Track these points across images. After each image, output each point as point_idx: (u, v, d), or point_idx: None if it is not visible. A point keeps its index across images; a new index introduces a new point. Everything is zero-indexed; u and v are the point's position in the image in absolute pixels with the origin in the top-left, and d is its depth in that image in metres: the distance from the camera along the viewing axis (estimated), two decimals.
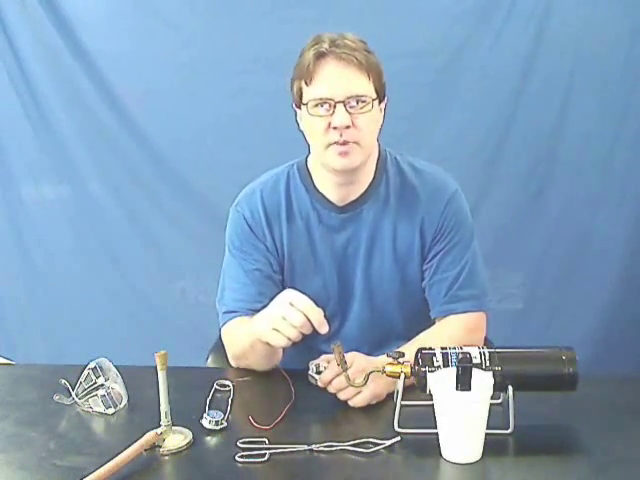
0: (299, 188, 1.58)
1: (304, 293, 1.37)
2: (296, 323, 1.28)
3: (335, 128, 1.43)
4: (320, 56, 1.43)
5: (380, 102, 1.49)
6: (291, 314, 1.29)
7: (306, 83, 1.46)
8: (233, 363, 1.57)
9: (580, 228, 2.54)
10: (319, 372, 1.36)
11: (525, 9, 2.40)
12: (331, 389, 1.35)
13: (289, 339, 1.30)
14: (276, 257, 1.58)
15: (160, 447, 1.20)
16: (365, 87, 1.44)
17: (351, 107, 1.43)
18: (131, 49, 2.52)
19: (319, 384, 1.36)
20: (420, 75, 2.38)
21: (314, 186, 1.57)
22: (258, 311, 1.44)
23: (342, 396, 1.35)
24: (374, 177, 1.56)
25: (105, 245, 2.68)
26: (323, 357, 1.38)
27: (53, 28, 2.51)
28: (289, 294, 1.33)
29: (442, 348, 1.26)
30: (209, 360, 1.74)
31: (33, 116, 2.59)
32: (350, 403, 1.34)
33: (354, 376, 1.31)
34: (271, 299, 1.40)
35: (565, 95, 2.45)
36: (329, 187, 1.55)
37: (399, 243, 1.56)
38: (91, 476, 1.10)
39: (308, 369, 1.38)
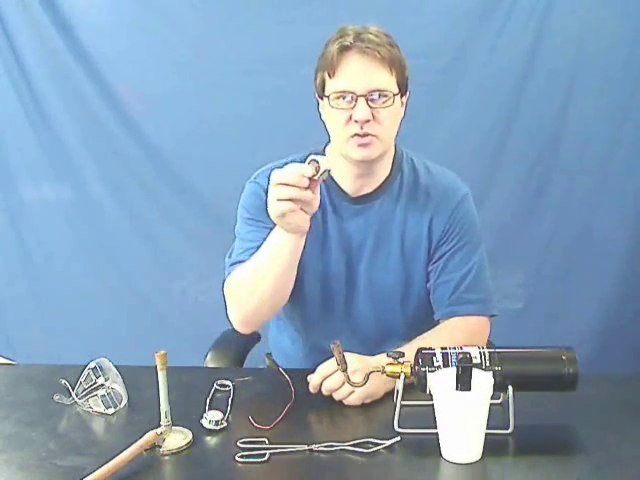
0: None
1: (307, 277, 1.52)
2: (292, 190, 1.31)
3: (356, 121, 1.44)
4: (344, 49, 1.45)
5: (402, 96, 1.51)
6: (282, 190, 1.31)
7: (329, 75, 1.47)
8: (237, 312, 1.52)
9: (580, 228, 2.54)
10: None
11: (525, 9, 2.41)
12: (325, 392, 1.36)
13: (294, 201, 1.31)
14: None
15: (160, 447, 1.20)
16: (387, 82, 1.45)
17: (372, 101, 1.44)
18: (132, 49, 2.52)
19: (311, 390, 1.37)
20: (421, 75, 2.36)
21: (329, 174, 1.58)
22: None
23: (337, 396, 1.35)
24: (389, 173, 1.58)
25: (105, 245, 2.68)
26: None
27: (53, 28, 2.51)
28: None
29: (442, 348, 1.26)
30: (208, 358, 1.73)
31: (33, 116, 2.59)
32: (345, 402, 1.35)
33: (358, 382, 1.31)
34: None
35: (566, 95, 2.45)
36: (345, 177, 1.57)
37: (407, 239, 1.57)
38: (91, 476, 1.10)
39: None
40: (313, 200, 1.34)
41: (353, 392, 1.34)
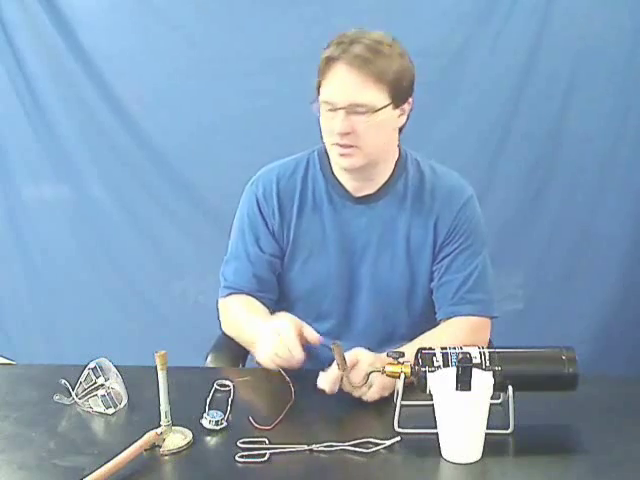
0: (317, 174, 1.60)
1: (303, 279, 1.57)
2: (283, 360, 1.35)
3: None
4: (330, 60, 1.45)
5: (397, 106, 1.49)
6: (280, 350, 1.35)
7: (320, 81, 1.49)
8: (229, 334, 1.67)
9: (580, 228, 2.54)
10: None
11: (525, 9, 2.40)
12: (345, 388, 1.34)
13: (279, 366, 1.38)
14: (281, 241, 1.60)
15: (160, 447, 1.20)
16: (371, 96, 1.44)
17: (355, 113, 1.44)
18: (132, 49, 2.52)
19: (326, 388, 1.34)
20: (421, 75, 2.37)
21: (332, 174, 1.59)
22: (252, 291, 1.60)
23: (356, 393, 1.33)
24: (392, 174, 1.58)
25: (105, 245, 2.68)
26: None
27: (53, 28, 2.51)
28: (278, 325, 1.38)
29: (442, 348, 1.26)
30: (208, 360, 1.74)
31: (33, 116, 2.59)
32: (364, 399, 1.34)
33: (363, 371, 1.31)
34: (265, 281, 1.60)
35: (565, 95, 2.45)
36: (345, 178, 1.58)
37: (413, 240, 1.57)
38: (91, 476, 1.10)
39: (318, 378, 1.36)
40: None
41: (371, 386, 1.33)
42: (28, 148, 2.62)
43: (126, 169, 2.62)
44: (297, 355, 1.33)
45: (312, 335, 1.38)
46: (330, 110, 1.46)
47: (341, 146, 1.47)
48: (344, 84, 1.44)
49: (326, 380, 1.34)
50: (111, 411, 1.35)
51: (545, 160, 2.51)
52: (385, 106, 1.45)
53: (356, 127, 1.44)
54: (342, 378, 1.32)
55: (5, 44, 2.53)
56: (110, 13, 2.54)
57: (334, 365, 1.33)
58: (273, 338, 1.36)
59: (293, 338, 1.34)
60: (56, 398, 1.39)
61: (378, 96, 1.45)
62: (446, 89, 2.46)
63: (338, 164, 1.52)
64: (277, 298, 1.65)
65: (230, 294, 1.63)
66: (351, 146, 1.46)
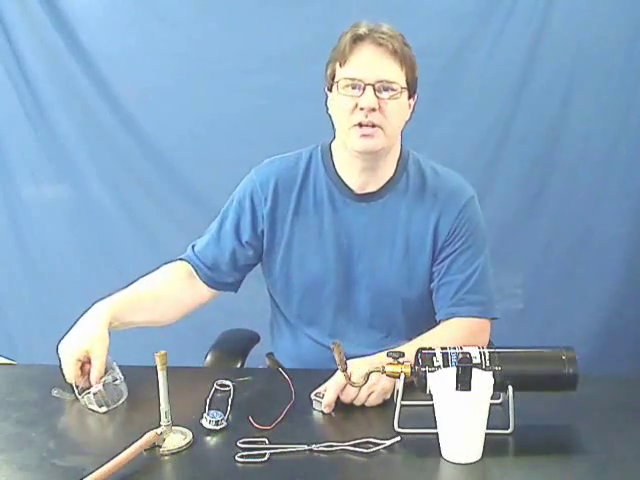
0: (319, 170, 1.61)
1: (301, 273, 1.56)
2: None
3: (362, 109, 1.46)
4: (357, 39, 1.47)
5: (410, 96, 1.52)
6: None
7: (340, 64, 1.50)
8: None
9: (580, 228, 2.54)
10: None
11: (525, 9, 2.41)
12: (347, 402, 1.34)
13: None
14: (269, 233, 1.60)
15: (160, 447, 1.20)
16: (396, 74, 1.47)
17: (380, 92, 1.46)
18: (131, 48, 2.52)
19: (325, 410, 1.33)
20: (421, 75, 2.38)
21: (334, 170, 1.59)
22: (202, 266, 1.65)
23: (357, 403, 1.34)
24: (394, 173, 1.58)
25: (105, 245, 2.68)
26: (322, 387, 1.36)
27: (53, 28, 2.51)
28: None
29: (442, 348, 1.26)
30: (208, 359, 1.74)
31: (33, 116, 2.59)
32: (367, 404, 1.34)
33: (358, 381, 1.30)
34: (222, 264, 1.63)
35: (565, 95, 2.45)
36: (350, 172, 1.57)
37: (411, 240, 1.57)
38: (91, 476, 1.10)
39: (310, 399, 1.35)
40: None
41: (372, 393, 1.33)
42: (28, 148, 2.62)
43: (126, 168, 2.62)
44: (67, 374, 1.40)
45: (93, 372, 1.38)
46: (355, 88, 1.46)
47: (364, 126, 1.47)
48: (372, 61, 1.47)
49: (324, 403, 1.33)
50: (103, 409, 1.34)
51: (545, 160, 2.51)
52: (404, 88, 1.49)
53: (382, 105, 1.46)
54: (342, 389, 1.33)
55: (5, 44, 2.53)
56: (110, 13, 2.54)
57: (329, 387, 1.33)
58: (76, 339, 1.48)
59: (72, 362, 1.41)
60: (54, 392, 1.39)
61: (401, 76, 1.48)
62: (446, 89, 2.46)
63: (357, 146, 1.50)
64: (234, 285, 1.68)
65: (179, 260, 1.69)
66: (374, 125, 1.47)
